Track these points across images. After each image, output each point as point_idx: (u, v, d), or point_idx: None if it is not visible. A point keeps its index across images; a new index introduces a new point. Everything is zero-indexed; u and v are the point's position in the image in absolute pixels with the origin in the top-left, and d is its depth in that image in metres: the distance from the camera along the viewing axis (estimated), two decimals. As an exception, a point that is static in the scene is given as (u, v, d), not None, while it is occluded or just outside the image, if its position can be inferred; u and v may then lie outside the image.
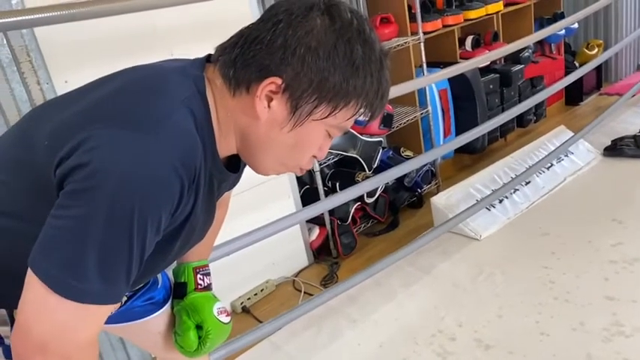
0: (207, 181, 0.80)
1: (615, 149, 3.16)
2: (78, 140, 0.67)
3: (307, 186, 2.84)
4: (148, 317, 1.10)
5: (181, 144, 0.70)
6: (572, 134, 3.22)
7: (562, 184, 2.95)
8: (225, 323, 1.10)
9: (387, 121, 2.85)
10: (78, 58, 1.79)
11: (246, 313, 2.34)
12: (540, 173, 2.96)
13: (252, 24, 0.77)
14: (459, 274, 2.33)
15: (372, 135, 2.86)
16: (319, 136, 0.79)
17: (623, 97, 3.60)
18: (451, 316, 2.05)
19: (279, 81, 0.73)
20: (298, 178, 2.70)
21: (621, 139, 3.18)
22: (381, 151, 2.93)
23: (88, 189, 0.65)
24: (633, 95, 3.83)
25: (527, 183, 2.89)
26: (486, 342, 1.89)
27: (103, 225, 0.65)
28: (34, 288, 0.66)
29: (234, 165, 0.88)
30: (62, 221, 0.66)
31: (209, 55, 0.83)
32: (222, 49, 0.78)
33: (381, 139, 2.94)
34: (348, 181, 2.67)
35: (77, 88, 0.84)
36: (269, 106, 0.75)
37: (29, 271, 0.66)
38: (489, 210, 2.69)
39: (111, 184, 0.64)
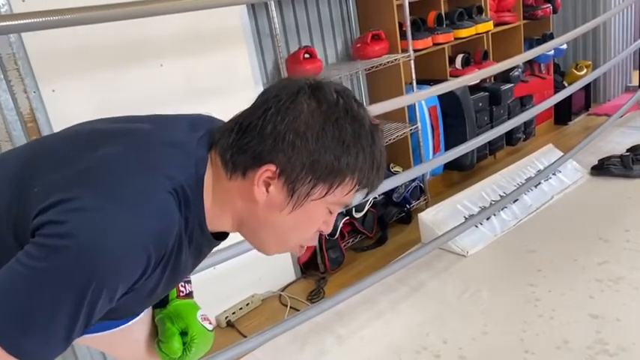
0: (194, 251, 0.82)
1: (602, 168, 3.18)
2: (61, 197, 0.68)
3: (296, 200, 2.83)
4: (130, 322, 1.09)
5: (158, 227, 0.71)
6: (561, 153, 3.25)
7: (549, 202, 2.97)
8: (209, 330, 1.09)
9: (377, 136, 2.86)
10: (66, 67, 1.80)
11: (231, 327, 2.32)
12: (528, 191, 2.98)
13: (246, 110, 0.80)
14: (445, 290, 2.33)
15: (361, 150, 2.86)
16: (320, 214, 0.82)
17: (611, 117, 3.64)
18: (436, 333, 2.04)
19: (273, 167, 0.76)
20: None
21: (608, 158, 3.21)
22: (370, 166, 2.93)
23: (56, 248, 0.66)
24: (621, 116, 3.88)
25: (515, 201, 2.90)
26: (471, 359, 1.88)
27: (59, 286, 0.65)
28: None
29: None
30: (22, 269, 0.66)
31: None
32: (221, 132, 0.80)
33: (370, 154, 2.94)
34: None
35: (77, 132, 0.85)
36: (267, 191, 0.78)
37: None
38: (477, 227, 2.70)
39: (78, 250, 0.65)
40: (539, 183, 3.05)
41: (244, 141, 0.76)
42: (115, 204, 0.68)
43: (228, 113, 2.40)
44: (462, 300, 2.23)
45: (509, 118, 3.49)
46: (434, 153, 3.26)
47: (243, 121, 0.77)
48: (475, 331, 2.02)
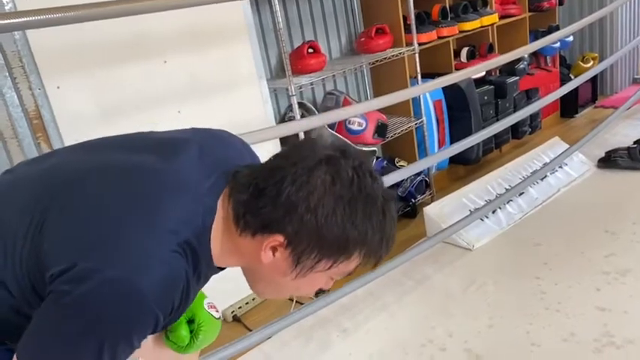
0: (202, 281, 0.87)
1: (609, 161, 3.16)
2: (67, 266, 0.70)
3: (301, 195, 2.84)
4: None
5: (163, 290, 0.73)
6: (567, 146, 3.23)
7: (555, 195, 2.95)
8: (216, 318, 1.10)
9: (381, 130, 2.86)
10: (70, 64, 1.80)
11: (237, 321, 2.33)
12: (534, 184, 2.96)
13: (264, 168, 0.81)
14: (451, 284, 2.32)
15: (366, 144, 2.86)
16: (322, 281, 0.85)
17: (618, 110, 3.61)
18: (442, 326, 2.04)
19: (281, 238, 0.77)
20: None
21: (615, 151, 3.18)
22: (375, 160, 2.93)
23: (65, 316, 0.70)
24: (628, 108, 3.85)
25: (520, 194, 2.89)
26: (476, 352, 1.88)
27: (75, 344, 0.70)
28: None
29: None
30: (41, 333, 0.71)
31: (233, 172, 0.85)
32: (238, 185, 0.81)
33: (375, 148, 2.94)
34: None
35: (88, 164, 0.85)
36: (273, 255, 0.80)
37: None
38: (482, 220, 2.69)
39: (86, 322, 0.69)
40: (546, 176, 3.04)
41: (258, 204, 0.77)
42: (120, 272, 0.70)
43: (231, 109, 2.41)
44: (467, 293, 2.23)
45: (514, 112, 3.47)
46: (439, 147, 3.25)
47: (259, 183, 0.78)
48: (481, 324, 2.02)
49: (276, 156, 0.83)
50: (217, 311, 1.11)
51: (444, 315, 2.11)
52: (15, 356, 0.73)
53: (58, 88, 1.78)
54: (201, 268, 0.80)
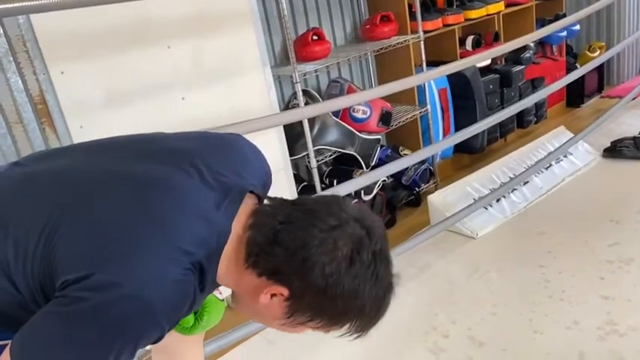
0: (206, 292, 0.88)
1: (614, 151, 3.15)
2: (84, 274, 0.71)
3: (305, 183, 2.84)
4: None
5: (171, 307, 0.75)
6: (572, 135, 3.21)
7: (560, 184, 2.94)
8: (220, 300, 1.10)
9: (386, 119, 2.85)
10: (75, 49, 1.80)
11: (241, 308, 2.34)
12: (539, 173, 2.95)
13: (289, 214, 0.81)
14: (454, 272, 2.32)
15: (370, 133, 2.85)
16: (307, 329, 0.88)
17: (623, 99, 3.59)
18: (445, 314, 2.04)
19: (285, 292, 0.80)
20: (296, 176, 2.70)
21: (621, 140, 3.17)
22: (379, 149, 2.93)
23: (76, 321, 0.71)
24: (634, 98, 3.82)
25: (525, 183, 2.88)
26: (480, 339, 1.88)
27: (83, 349, 0.71)
28: None
29: None
30: (50, 330, 0.71)
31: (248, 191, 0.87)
32: (259, 224, 0.82)
33: (379, 136, 2.94)
34: (346, 179, 2.66)
35: (107, 166, 0.86)
36: (270, 299, 0.82)
37: (8, 347, 0.72)
38: (486, 209, 2.68)
39: (100, 329, 0.70)
40: (550, 165, 3.02)
41: (275, 250, 0.79)
42: (136, 289, 0.71)
43: (235, 96, 2.39)
44: (471, 281, 2.23)
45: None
46: (444, 136, 3.24)
47: (280, 231, 0.79)
48: (484, 311, 2.02)
49: (301, 205, 0.83)
50: (221, 293, 1.11)
51: (447, 302, 2.12)
52: (8, 351, 0.73)
53: (62, 73, 1.78)
54: (207, 283, 0.83)
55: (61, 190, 0.82)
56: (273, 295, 0.81)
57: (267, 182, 0.98)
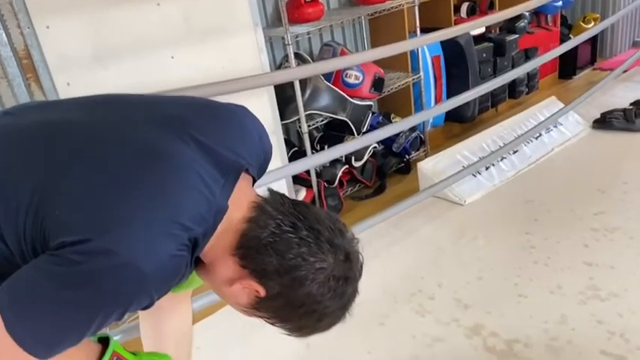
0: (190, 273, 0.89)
1: (604, 122, 3.16)
2: (80, 238, 0.70)
3: (295, 148, 2.83)
4: None
5: (167, 278, 0.76)
6: (563, 106, 3.21)
7: (549, 154, 2.96)
8: None
9: (378, 85, 2.83)
10: (60, 3, 1.75)
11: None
12: (528, 142, 2.97)
13: (300, 223, 0.81)
14: (442, 237, 2.35)
15: (362, 98, 2.83)
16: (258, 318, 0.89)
17: (614, 71, 3.58)
18: (431, 277, 2.07)
19: (262, 292, 0.81)
20: (287, 140, 2.69)
21: (611, 112, 3.18)
22: (370, 115, 2.91)
23: (75, 283, 0.70)
24: (625, 70, 3.82)
25: (514, 152, 2.89)
26: (465, 302, 1.91)
27: (68, 317, 0.71)
28: None
29: None
30: (39, 286, 0.70)
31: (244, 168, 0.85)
32: (264, 216, 0.82)
33: (371, 103, 2.92)
34: (337, 145, 2.66)
35: (105, 126, 0.83)
36: (241, 288, 0.83)
37: None
38: (475, 176, 2.70)
39: (95, 290, 0.70)
40: (540, 135, 3.04)
41: (270, 255, 0.79)
42: (133, 258, 0.71)
43: (226, 56, 2.35)
44: (457, 246, 2.26)
45: (512, 70, 3.44)
46: (436, 104, 3.23)
47: (285, 239, 0.79)
48: (470, 276, 2.05)
49: (306, 219, 0.82)
50: None
51: (433, 266, 2.14)
52: None
53: (48, 27, 1.73)
54: (198, 254, 0.83)
55: (59, 145, 0.79)
56: (245, 287, 0.82)
57: (264, 162, 0.96)
